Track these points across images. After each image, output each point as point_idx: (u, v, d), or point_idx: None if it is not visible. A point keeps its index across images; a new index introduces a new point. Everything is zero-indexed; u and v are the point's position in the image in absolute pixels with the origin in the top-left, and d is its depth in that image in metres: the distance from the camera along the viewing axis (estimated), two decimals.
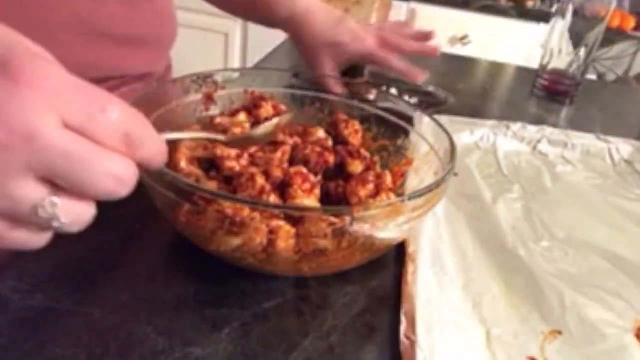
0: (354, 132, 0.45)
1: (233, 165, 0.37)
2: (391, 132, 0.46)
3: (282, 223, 0.30)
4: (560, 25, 0.79)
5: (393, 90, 0.70)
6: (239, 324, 0.31)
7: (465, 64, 0.98)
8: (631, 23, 2.15)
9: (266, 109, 0.45)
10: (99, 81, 0.39)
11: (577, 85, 0.82)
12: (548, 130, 0.63)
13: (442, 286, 0.35)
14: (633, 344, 0.33)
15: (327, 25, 0.62)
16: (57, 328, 0.26)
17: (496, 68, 1.01)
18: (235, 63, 1.88)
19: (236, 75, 0.47)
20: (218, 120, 0.43)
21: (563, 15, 0.78)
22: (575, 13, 0.77)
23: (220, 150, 0.38)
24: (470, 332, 0.32)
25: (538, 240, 0.44)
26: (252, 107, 0.45)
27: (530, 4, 1.79)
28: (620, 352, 0.33)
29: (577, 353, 0.32)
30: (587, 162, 0.60)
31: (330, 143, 0.44)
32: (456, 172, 0.54)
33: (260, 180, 0.34)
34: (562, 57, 0.80)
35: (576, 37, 0.78)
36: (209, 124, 0.44)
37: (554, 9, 1.73)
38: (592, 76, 2.07)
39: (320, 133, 0.44)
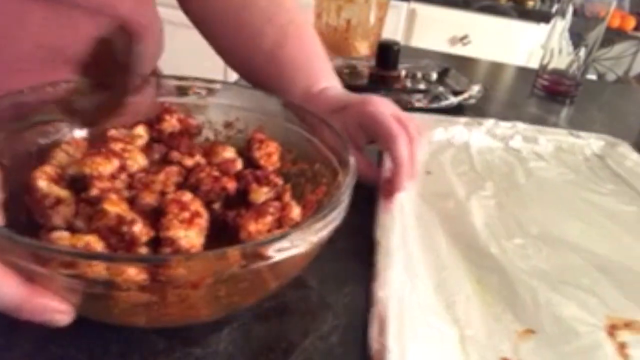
0: (265, 155, 0.38)
1: (104, 186, 0.31)
2: (312, 153, 0.38)
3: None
4: (560, 25, 0.79)
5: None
6: (239, 324, 0.31)
7: (465, 63, 0.98)
8: (631, 23, 2.15)
9: (170, 123, 0.39)
10: None
11: (577, 85, 0.82)
12: (520, 126, 0.63)
13: (414, 287, 0.34)
14: (605, 341, 0.33)
15: (339, 94, 0.50)
16: (57, 328, 0.26)
17: (496, 68, 1.02)
18: None
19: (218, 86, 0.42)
20: (112, 132, 0.37)
21: (563, 15, 0.78)
22: (575, 13, 0.77)
23: (89, 169, 0.32)
24: (443, 333, 0.32)
25: (511, 238, 0.43)
26: (154, 120, 0.39)
27: (530, 4, 1.79)
28: (593, 350, 0.32)
29: (551, 352, 0.31)
30: (560, 157, 0.60)
31: (239, 165, 0.38)
32: (429, 170, 0.53)
33: (114, 210, 0.28)
34: (562, 57, 0.81)
35: (576, 37, 0.78)
36: (99, 138, 0.37)
37: (554, 9, 1.73)
38: (592, 76, 2.08)
39: (228, 153, 0.38)
